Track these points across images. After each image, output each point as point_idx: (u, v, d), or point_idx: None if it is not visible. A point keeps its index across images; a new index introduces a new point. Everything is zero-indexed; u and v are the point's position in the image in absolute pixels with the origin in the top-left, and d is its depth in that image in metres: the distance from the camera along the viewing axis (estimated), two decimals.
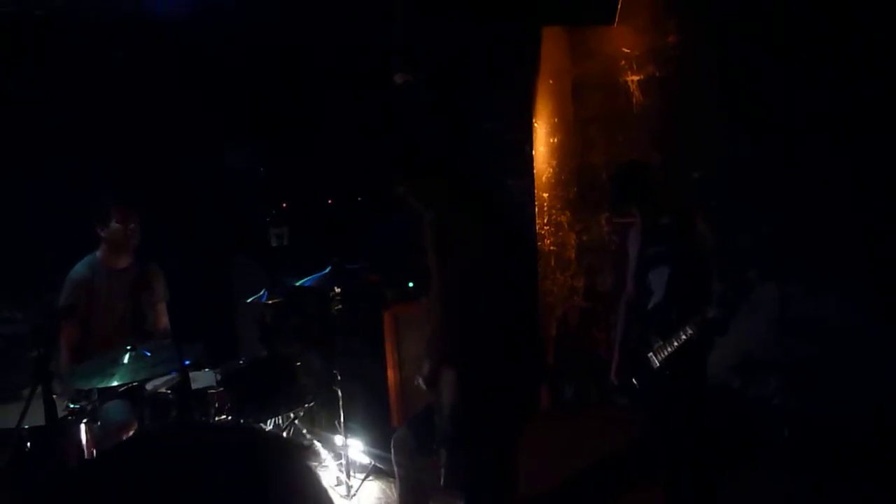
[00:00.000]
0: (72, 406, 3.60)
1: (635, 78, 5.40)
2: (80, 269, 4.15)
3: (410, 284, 5.30)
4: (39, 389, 3.11)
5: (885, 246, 4.32)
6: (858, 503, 3.93)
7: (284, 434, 4.49)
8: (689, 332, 3.37)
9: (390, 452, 4.49)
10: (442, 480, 3.27)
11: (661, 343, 3.51)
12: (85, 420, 3.63)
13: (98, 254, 4.20)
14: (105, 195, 4.18)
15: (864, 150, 4.36)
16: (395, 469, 3.51)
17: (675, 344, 3.44)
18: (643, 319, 3.67)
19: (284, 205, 6.00)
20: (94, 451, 3.72)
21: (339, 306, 4.53)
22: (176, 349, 3.57)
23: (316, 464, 4.68)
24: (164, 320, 4.42)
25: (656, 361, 3.55)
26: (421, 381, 3.14)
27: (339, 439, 4.57)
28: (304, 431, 4.69)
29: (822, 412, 4.46)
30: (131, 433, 3.90)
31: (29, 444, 3.42)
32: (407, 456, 3.42)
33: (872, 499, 3.92)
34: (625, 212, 3.80)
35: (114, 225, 4.12)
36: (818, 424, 4.43)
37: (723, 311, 3.32)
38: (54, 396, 3.20)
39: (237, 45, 5.56)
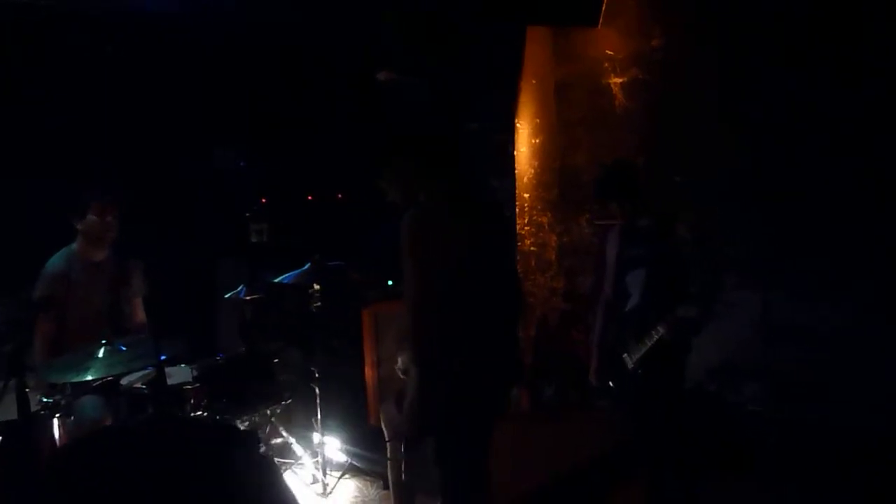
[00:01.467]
0: (45, 400, 3.59)
1: (619, 80, 5.42)
2: (56, 261, 4.10)
3: (390, 283, 5.30)
4: (13, 383, 3.10)
5: (869, 253, 4.36)
6: None
7: (259, 432, 4.47)
8: (661, 331, 3.41)
9: (367, 450, 4.53)
10: (403, 476, 3.33)
11: (635, 344, 3.55)
12: (58, 414, 3.63)
13: (75, 246, 4.16)
14: (83, 188, 4.15)
15: (850, 155, 4.39)
16: (386, 438, 3.61)
17: (648, 344, 3.48)
18: (620, 321, 3.70)
19: (264, 200, 5.98)
20: None
21: (319, 303, 4.53)
22: (152, 344, 3.57)
23: (292, 462, 4.68)
24: (141, 315, 4.38)
25: (630, 362, 3.59)
26: (398, 370, 3.23)
27: (315, 437, 4.57)
28: (281, 429, 4.68)
29: (804, 418, 4.49)
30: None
31: (1, 437, 3.39)
32: (394, 429, 3.54)
33: None
34: (605, 210, 3.82)
35: (90, 217, 4.08)
36: (800, 430, 4.46)
37: (695, 311, 3.36)
38: (27, 390, 3.20)
39: (219, 41, 5.54)
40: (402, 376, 3.28)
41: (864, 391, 4.34)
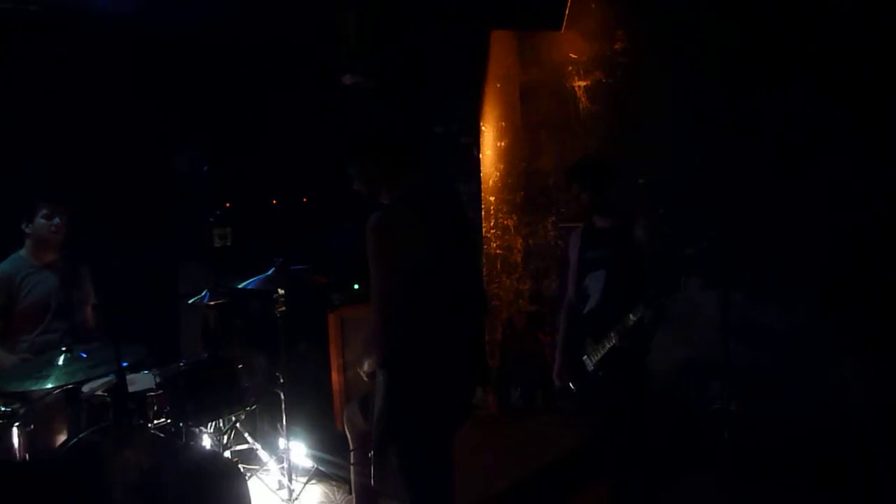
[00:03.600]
0: (3, 409, 3.53)
1: (582, 84, 5.47)
2: (3, 266, 4.20)
3: (356, 286, 5.29)
4: None
5: (826, 254, 4.44)
6: None
7: (224, 438, 4.44)
8: (614, 339, 3.48)
9: (333, 455, 4.51)
10: (372, 482, 3.33)
11: (594, 345, 3.60)
12: (17, 423, 3.56)
13: (23, 252, 4.26)
14: (31, 191, 4.22)
15: (808, 160, 4.48)
16: (350, 443, 3.60)
17: (607, 346, 3.53)
18: (581, 322, 3.75)
19: (228, 205, 5.93)
20: (27, 456, 3.65)
21: (283, 308, 4.50)
22: (113, 351, 3.52)
23: (258, 468, 4.65)
24: (91, 321, 4.45)
25: (590, 364, 3.63)
26: (362, 372, 3.22)
27: (281, 442, 4.54)
28: (246, 435, 4.65)
29: (762, 416, 4.56)
30: (62, 436, 3.83)
31: None
32: (358, 432, 3.53)
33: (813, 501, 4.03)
34: (573, 198, 3.84)
35: (38, 220, 4.19)
36: (759, 428, 4.53)
37: (649, 313, 3.41)
38: None
39: (181, 42, 5.50)
40: (366, 379, 3.27)
41: (814, 388, 4.43)
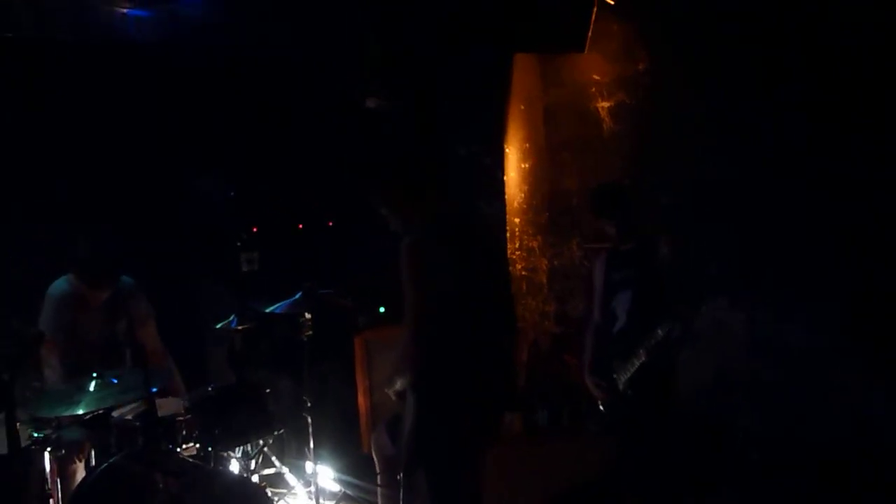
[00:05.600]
0: (35, 435, 3.57)
1: (606, 104, 5.48)
2: (60, 284, 4.12)
3: (382, 310, 5.31)
4: (2, 417, 3.10)
5: (850, 272, 4.41)
6: None
7: (252, 463, 4.46)
8: (642, 356, 3.48)
9: (360, 479, 4.52)
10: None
11: (623, 365, 3.60)
12: (49, 448, 3.60)
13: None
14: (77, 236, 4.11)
15: (830, 178, 4.45)
16: (377, 466, 3.63)
17: (636, 363, 3.53)
18: (609, 343, 3.75)
19: (255, 229, 5.99)
20: (58, 480, 3.69)
21: (310, 332, 4.53)
22: (143, 376, 3.56)
23: (285, 492, 4.66)
24: (153, 342, 4.42)
25: (620, 384, 3.64)
26: (390, 392, 3.24)
27: (308, 466, 4.55)
28: (274, 459, 4.67)
29: (789, 435, 4.51)
30: (83, 454, 3.87)
31: None
32: (384, 455, 3.57)
33: None
34: (598, 229, 3.87)
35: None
36: (783, 447, 4.49)
37: (676, 329, 3.41)
38: (18, 424, 3.19)
39: (208, 69, 5.57)
40: (394, 399, 3.28)
41: (840, 409, 4.38)
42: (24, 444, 3.38)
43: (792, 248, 4.58)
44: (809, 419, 4.47)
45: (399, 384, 3.19)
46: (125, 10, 4.71)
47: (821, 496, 4.11)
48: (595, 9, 5.05)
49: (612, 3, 5.13)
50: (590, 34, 5.12)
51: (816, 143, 4.49)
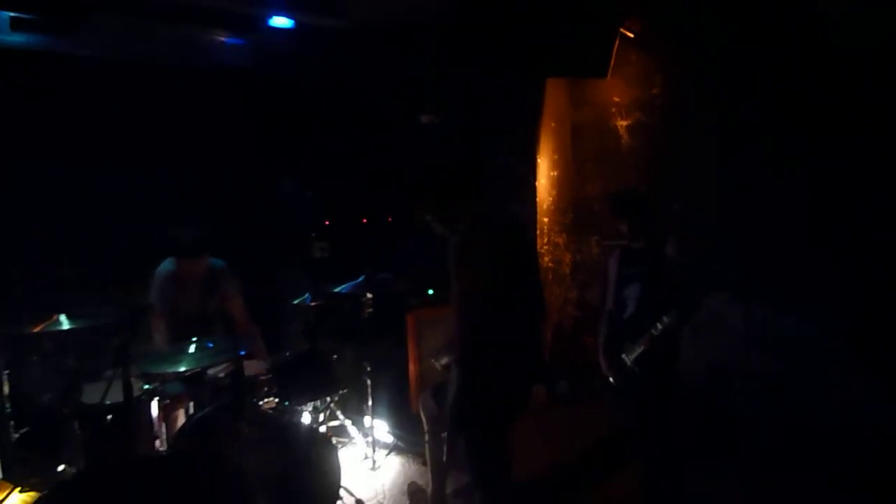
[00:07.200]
0: (146, 387, 3.69)
1: (624, 123, 5.45)
2: (166, 266, 4.19)
3: (430, 292, 5.34)
4: (119, 372, 3.21)
5: (839, 272, 4.33)
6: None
7: (321, 416, 4.53)
8: (648, 341, 3.48)
9: (409, 433, 4.56)
10: (444, 457, 3.38)
11: (631, 346, 3.60)
12: (156, 399, 3.72)
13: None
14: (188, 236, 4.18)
15: (824, 187, 4.38)
16: (424, 425, 3.66)
17: (642, 346, 3.54)
18: (620, 328, 3.74)
19: (327, 223, 6.06)
20: (163, 425, 3.81)
21: (370, 309, 4.58)
22: (233, 342, 3.66)
23: (347, 441, 4.73)
24: (241, 313, 4.47)
25: (628, 361, 3.64)
26: (437, 363, 3.31)
27: (367, 421, 4.61)
28: (338, 413, 4.74)
29: (776, 415, 4.46)
30: (183, 404, 3.95)
31: (109, 417, 3.52)
32: (431, 416, 3.60)
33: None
34: (615, 229, 3.86)
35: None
36: (774, 426, 4.43)
37: (678, 317, 3.41)
38: (132, 378, 3.30)
39: (291, 90, 5.66)
40: (439, 369, 3.34)
41: (823, 393, 4.31)
42: (136, 394, 3.49)
43: (788, 248, 4.51)
44: (798, 403, 4.41)
45: (445, 358, 3.24)
46: (223, 39, 4.79)
47: (804, 465, 4.05)
48: (617, 40, 5.02)
49: (632, 36, 5.10)
50: (612, 62, 5.09)
51: (816, 143, 4.40)
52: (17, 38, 3.85)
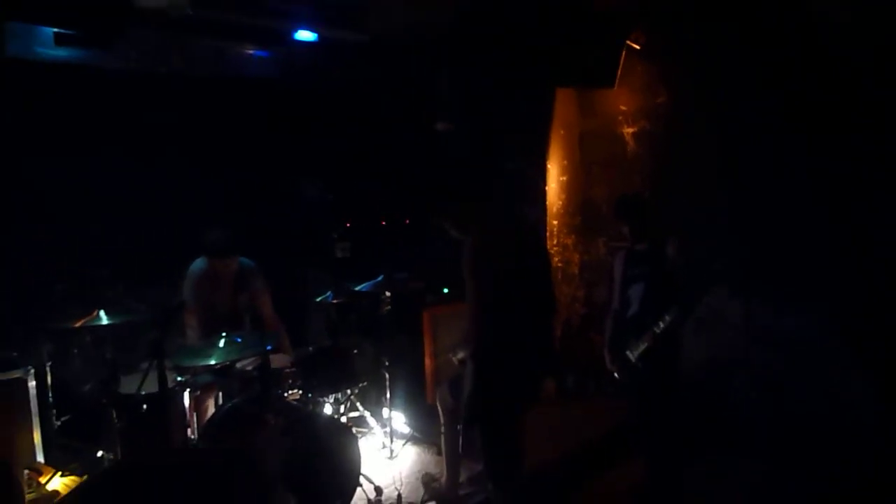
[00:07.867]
0: (179, 379, 3.72)
1: (630, 130, 5.41)
2: (199, 264, 4.18)
3: (445, 290, 5.35)
4: (155, 365, 3.24)
5: (839, 272, 4.27)
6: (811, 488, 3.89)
7: (341, 407, 4.55)
8: (651, 337, 3.47)
9: (425, 424, 4.57)
10: (460, 448, 3.37)
11: (635, 342, 3.59)
12: (188, 390, 3.75)
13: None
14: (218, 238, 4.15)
15: (824, 187, 4.32)
16: (441, 416, 3.66)
17: (646, 342, 3.52)
18: (625, 325, 3.73)
19: (348, 224, 6.08)
20: (194, 414, 3.83)
21: (389, 307, 4.60)
22: (260, 337, 3.68)
23: (366, 430, 4.74)
24: (270, 311, 4.46)
25: (632, 357, 3.62)
26: (453, 358, 3.31)
27: (385, 412, 4.63)
28: (358, 405, 4.76)
29: (780, 413, 4.41)
30: (213, 395, 3.97)
31: (145, 406, 3.55)
32: (447, 408, 3.61)
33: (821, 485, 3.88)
34: (619, 232, 3.85)
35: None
36: (773, 417, 4.39)
37: (677, 318, 3.40)
38: (166, 370, 3.33)
39: (314, 99, 5.68)
40: (456, 363, 3.34)
41: (819, 389, 4.26)
42: (169, 385, 3.49)
43: (788, 248, 4.45)
44: (798, 401, 4.35)
45: (461, 354, 3.24)
46: (251, 52, 4.81)
47: (803, 462, 4.01)
48: (624, 52, 4.99)
49: (638, 47, 5.07)
50: (619, 73, 5.07)
51: (816, 143, 4.33)
52: (61, 53, 3.89)
